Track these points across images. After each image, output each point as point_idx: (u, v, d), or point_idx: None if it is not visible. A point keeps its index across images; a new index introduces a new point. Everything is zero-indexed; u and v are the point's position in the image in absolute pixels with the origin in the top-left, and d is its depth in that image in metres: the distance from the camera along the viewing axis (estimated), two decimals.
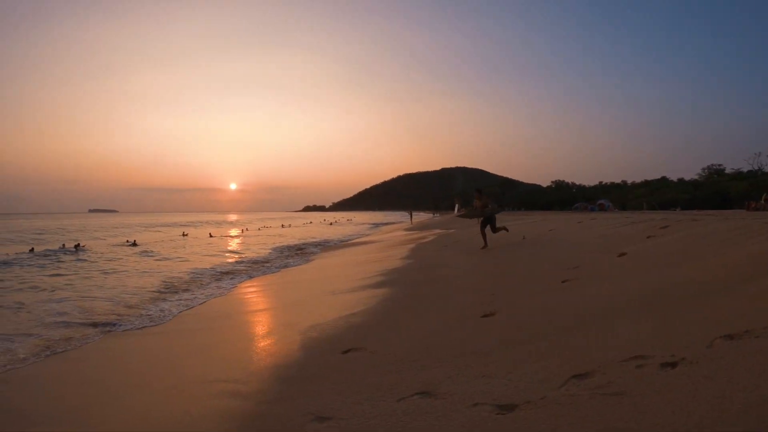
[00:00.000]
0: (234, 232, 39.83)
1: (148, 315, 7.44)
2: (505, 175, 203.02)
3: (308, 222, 63.19)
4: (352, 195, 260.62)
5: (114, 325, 6.78)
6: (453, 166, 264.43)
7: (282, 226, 51.97)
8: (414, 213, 63.89)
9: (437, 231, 23.16)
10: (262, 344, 4.91)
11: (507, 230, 11.80)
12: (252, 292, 9.39)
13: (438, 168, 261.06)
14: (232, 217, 67.82)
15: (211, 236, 32.96)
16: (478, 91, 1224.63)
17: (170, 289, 10.04)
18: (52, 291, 10.21)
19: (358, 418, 2.61)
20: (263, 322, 6.31)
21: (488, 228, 11.10)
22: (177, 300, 8.68)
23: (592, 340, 3.12)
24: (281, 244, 23.92)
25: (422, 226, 32.57)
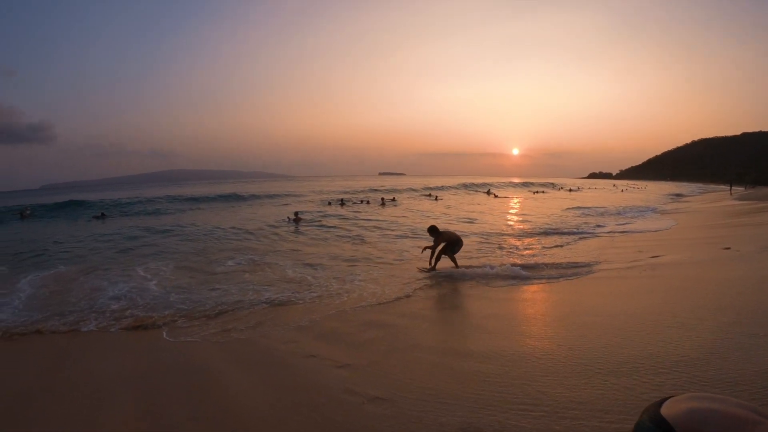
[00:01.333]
0: (516, 197, 39.42)
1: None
2: None
3: (602, 187, 59.10)
4: (640, 162, 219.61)
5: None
6: (755, 130, 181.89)
7: (562, 188, 50.68)
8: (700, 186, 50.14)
9: None
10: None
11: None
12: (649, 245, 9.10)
13: (738, 132, 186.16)
14: (516, 180, 69.26)
15: (495, 197, 34.19)
16: None
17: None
18: (389, 229, 12.91)
19: None
20: (722, 275, 6.04)
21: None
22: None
23: None
24: (591, 206, 23.11)
25: (749, 198, 25.64)
